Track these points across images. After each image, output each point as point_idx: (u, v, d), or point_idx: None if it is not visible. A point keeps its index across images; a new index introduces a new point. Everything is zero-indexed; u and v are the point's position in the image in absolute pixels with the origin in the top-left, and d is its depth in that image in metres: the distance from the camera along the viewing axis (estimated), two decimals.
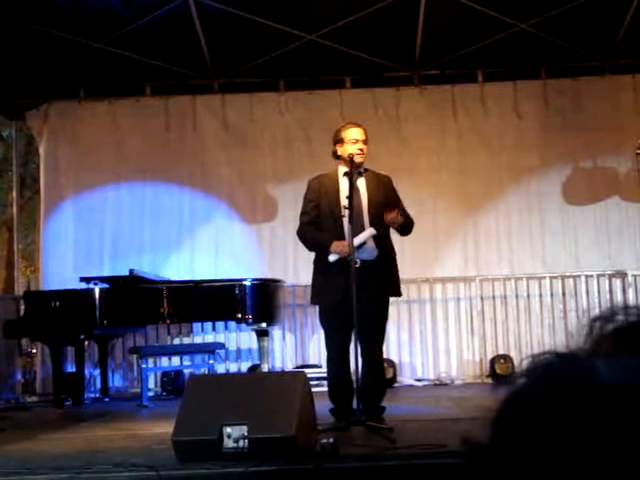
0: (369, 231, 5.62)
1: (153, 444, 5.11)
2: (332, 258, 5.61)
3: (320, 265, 5.79)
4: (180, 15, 8.67)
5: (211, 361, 8.31)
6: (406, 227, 5.86)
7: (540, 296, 9.41)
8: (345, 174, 5.74)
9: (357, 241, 5.50)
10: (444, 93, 9.79)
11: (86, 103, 9.92)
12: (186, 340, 9.49)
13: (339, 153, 5.81)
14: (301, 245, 6.08)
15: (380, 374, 5.94)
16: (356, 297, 5.28)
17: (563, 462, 0.67)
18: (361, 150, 5.74)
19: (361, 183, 5.82)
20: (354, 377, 5.51)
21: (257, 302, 7.74)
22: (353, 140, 5.76)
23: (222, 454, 4.26)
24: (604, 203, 9.56)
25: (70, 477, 4.14)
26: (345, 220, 5.54)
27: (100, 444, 5.42)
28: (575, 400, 0.68)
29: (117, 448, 5.16)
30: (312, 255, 5.95)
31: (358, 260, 5.47)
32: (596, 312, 0.76)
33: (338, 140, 5.82)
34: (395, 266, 5.85)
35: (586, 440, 0.67)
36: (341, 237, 5.60)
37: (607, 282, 9.34)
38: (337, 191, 5.76)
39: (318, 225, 5.82)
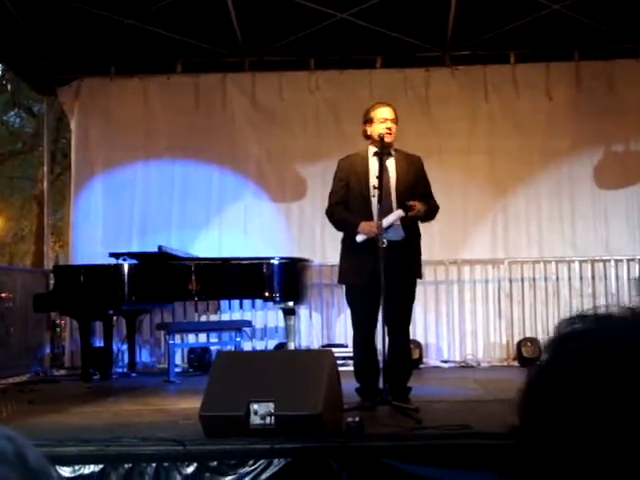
0: (397, 213, 5.60)
1: (180, 419, 5.17)
2: (360, 238, 5.60)
3: (348, 245, 5.78)
4: None
5: (238, 339, 8.34)
6: (428, 217, 5.82)
7: (569, 280, 9.35)
8: (375, 154, 5.72)
9: (385, 222, 5.49)
10: (475, 74, 9.69)
11: (117, 80, 9.94)
12: (213, 317, 9.54)
13: (369, 133, 5.79)
14: (329, 225, 6.07)
15: (406, 355, 5.93)
16: (383, 277, 5.28)
17: (589, 424, 0.68)
18: (389, 129, 5.70)
19: (390, 163, 5.78)
20: (380, 357, 5.51)
21: (284, 281, 7.74)
22: (382, 119, 5.73)
23: (249, 430, 4.29)
24: (636, 187, 9.46)
25: (98, 450, 4.19)
26: (374, 200, 5.53)
27: (128, 418, 5.49)
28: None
29: (144, 422, 5.22)
30: (340, 235, 5.95)
31: (385, 240, 5.46)
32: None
33: (368, 120, 5.80)
34: (419, 248, 5.83)
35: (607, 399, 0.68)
36: (369, 217, 5.58)
37: (637, 267, 9.26)
38: (367, 171, 5.74)
39: (347, 205, 5.80)
